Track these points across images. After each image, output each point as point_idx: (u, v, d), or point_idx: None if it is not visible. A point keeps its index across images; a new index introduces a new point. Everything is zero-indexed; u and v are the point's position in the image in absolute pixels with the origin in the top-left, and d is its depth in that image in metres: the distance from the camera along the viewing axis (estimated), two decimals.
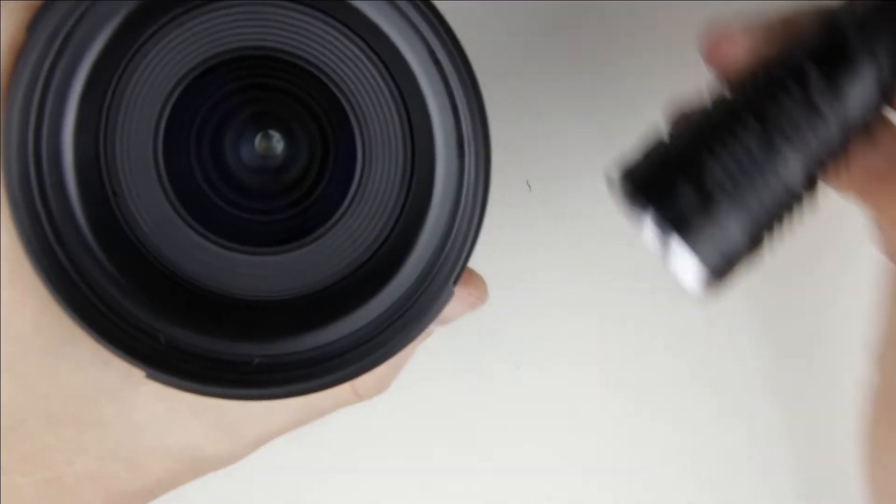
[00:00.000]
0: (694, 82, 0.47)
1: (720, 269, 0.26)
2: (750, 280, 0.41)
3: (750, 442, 0.44)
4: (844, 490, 0.43)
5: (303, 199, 0.32)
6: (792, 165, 0.27)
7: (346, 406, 0.33)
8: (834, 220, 0.45)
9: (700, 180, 0.26)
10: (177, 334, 0.30)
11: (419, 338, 0.30)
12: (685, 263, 0.26)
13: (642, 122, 0.47)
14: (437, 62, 0.29)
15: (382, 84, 0.30)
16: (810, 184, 0.28)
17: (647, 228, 0.27)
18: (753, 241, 0.27)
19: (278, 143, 0.32)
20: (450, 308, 0.30)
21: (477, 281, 0.33)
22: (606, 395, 0.44)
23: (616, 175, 0.28)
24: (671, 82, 0.47)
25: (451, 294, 0.30)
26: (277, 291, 0.31)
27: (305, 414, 0.32)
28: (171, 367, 0.29)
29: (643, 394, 0.45)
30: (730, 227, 0.26)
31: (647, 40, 0.47)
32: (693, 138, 0.28)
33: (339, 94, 0.30)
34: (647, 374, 0.44)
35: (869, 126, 0.28)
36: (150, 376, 0.29)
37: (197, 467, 0.32)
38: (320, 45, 0.30)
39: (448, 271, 0.30)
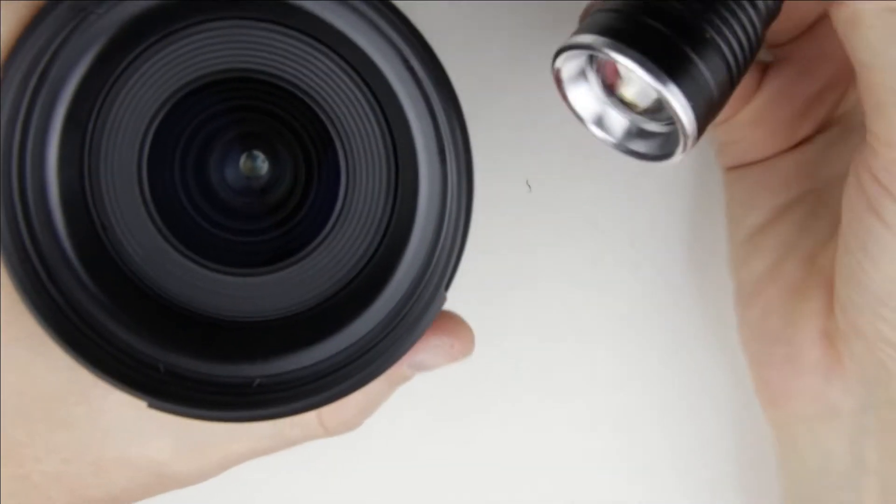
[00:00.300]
0: None
1: (703, 113, 0.28)
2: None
3: (752, 444, 0.44)
4: None
5: (288, 219, 0.32)
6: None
7: (316, 439, 0.33)
8: None
9: (676, 24, 0.27)
10: (174, 361, 0.30)
11: (398, 380, 0.31)
12: (672, 109, 0.27)
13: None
14: (410, 69, 0.29)
15: (361, 98, 0.30)
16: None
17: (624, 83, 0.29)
18: (726, 83, 0.28)
19: (262, 164, 0.32)
20: (431, 357, 0.30)
21: (463, 331, 0.32)
22: (606, 394, 0.44)
23: (582, 34, 0.28)
24: None
25: (443, 300, 0.30)
26: (266, 311, 0.31)
27: (271, 441, 0.33)
28: (173, 395, 0.29)
29: (644, 394, 0.44)
30: (709, 67, 0.28)
31: None
32: None
33: (319, 112, 0.30)
34: (648, 373, 0.44)
35: None
36: (152, 405, 0.29)
37: (163, 482, 0.32)
38: (298, 63, 0.30)
39: (438, 280, 0.30)
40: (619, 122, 0.32)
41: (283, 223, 0.32)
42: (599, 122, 0.32)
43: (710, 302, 0.43)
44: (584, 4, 0.47)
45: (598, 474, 0.45)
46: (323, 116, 0.30)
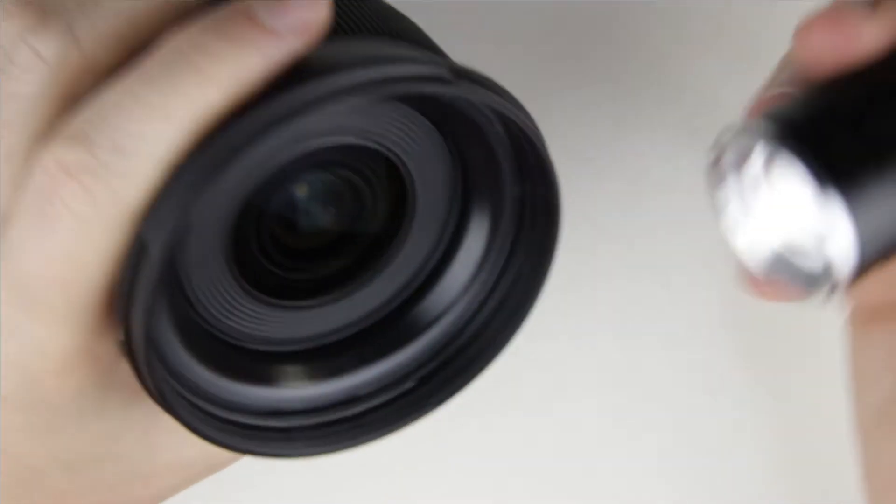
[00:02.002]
0: (695, 81, 0.47)
1: (875, 248, 0.20)
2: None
3: (758, 448, 0.44)
4: (843, 494, 0.43)
5: (346, 260, 0.32)
6: None
7: None
8: None
9: (867, 136, 0.20)
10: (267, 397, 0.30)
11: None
12: (833, 237, 0.20)
13: (647, 122, 0.47)
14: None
15: (436, 150, 0.30)
16: None
17: (784, 189, 0.21)
18: None
19: (328, 210, 0.31)
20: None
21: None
22: (607, 394, 0.44)
23: (759, 120, 0.22)
24: (669, 82, 0.47)
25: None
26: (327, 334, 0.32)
27: None
28: (275, 440, 0.30)
29: (645, 394, 0.45)
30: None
31: (648, 39, 0.47)
32: (856, 93, 0.22)
33: (395, 161, 0.30)
34: (648, 374, 0.44)
35: None
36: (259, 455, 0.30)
37: (211, 468, 0.32)
38: (384, 124, 0.29)
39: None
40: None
41: (341, 264, 0.32)
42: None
43: (713, 302, 0.44)
44: (582, 5, 0.47)
45: (597, 476, 0.45)
46: (398, 164, 0.30)
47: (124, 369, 0.27)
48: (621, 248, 0.44)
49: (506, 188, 0.30)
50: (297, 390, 0.32)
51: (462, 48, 0.40)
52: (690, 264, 0.44)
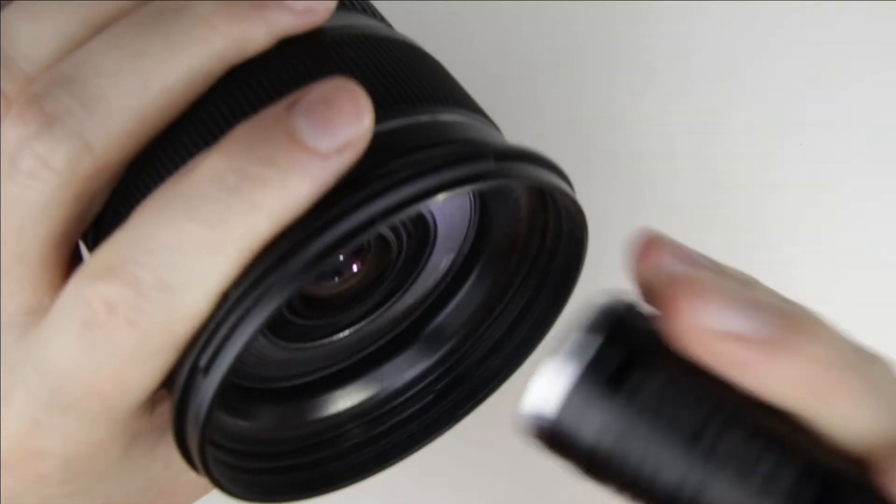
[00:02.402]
0: (689, 86, 0.47)
1: (560, 429, 0.23)
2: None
3: None
4: None
5: (367, 303, 0.32)
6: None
7: None
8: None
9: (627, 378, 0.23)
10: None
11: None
12: (548, 387, 0.23)
13: (639, 124, 0.46)
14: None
15: (468, 214, 0.30)
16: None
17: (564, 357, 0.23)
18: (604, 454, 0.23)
19: (357, 265, 0.31)
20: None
21: None
22: None
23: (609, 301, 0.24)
24: (669, 83, 0.47)
25: None
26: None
27: None
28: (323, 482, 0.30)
29: None
30: (605, 419, 0.23)
31: (644, 40, 0.47)
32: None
33: (424, 212, 0.30)
34: None
35: None
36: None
37: None
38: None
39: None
40: None
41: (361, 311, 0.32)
42: None
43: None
44: (579, 4, 0.47)
45: None
46: (430, 224, 0.30)
47: (150, 420, 0.28)
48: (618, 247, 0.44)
49: (523, 223, 0.30)
50: (334, 413, 0.32)
51: (461, 49, 0.41)
52: None
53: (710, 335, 0.23)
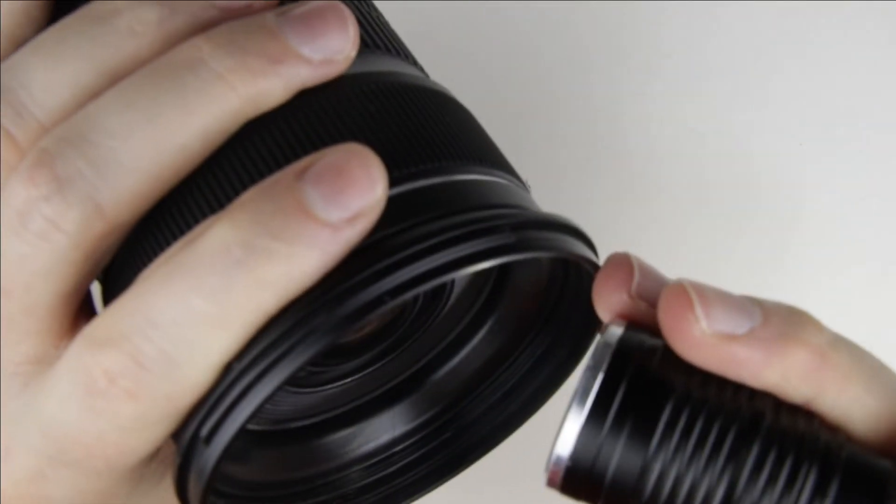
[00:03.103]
0: (689, 85, 0.47)
1: (578, 470, 0.23)
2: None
3: None
4: None
5: (378, 349, 0.31)
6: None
7: None
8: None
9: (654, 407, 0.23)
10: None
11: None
12: (564, 433, 0.23)
13: (640, 122, 0.46)
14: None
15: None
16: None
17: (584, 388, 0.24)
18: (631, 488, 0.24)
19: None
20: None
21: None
22: None
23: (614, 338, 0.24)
24: (669, 83, 0.47)
25: None
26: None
27: None
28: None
29: None
30: (630, 456, 0.23)
31: (645, 41, 0.47)
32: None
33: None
34: None
35: None
36: None
37: None
38: None
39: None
40: None
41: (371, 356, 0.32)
42: None
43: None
44: (579, 5, 0.47)
45: None
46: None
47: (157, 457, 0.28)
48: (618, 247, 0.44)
49: (543, 274, 0.30)
50: (334, 458, 0.31)
51: (460, 48, 0.41)
52: (688, 263, 0.44)
53: (714, 341, 0.23)
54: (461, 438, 0.31)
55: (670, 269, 0.41)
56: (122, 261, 0.26)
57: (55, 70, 0.25)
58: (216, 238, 0.23)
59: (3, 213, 0.24)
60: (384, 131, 0.25)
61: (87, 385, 0.24)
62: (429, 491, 0.31)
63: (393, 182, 0.24)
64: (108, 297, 0.26)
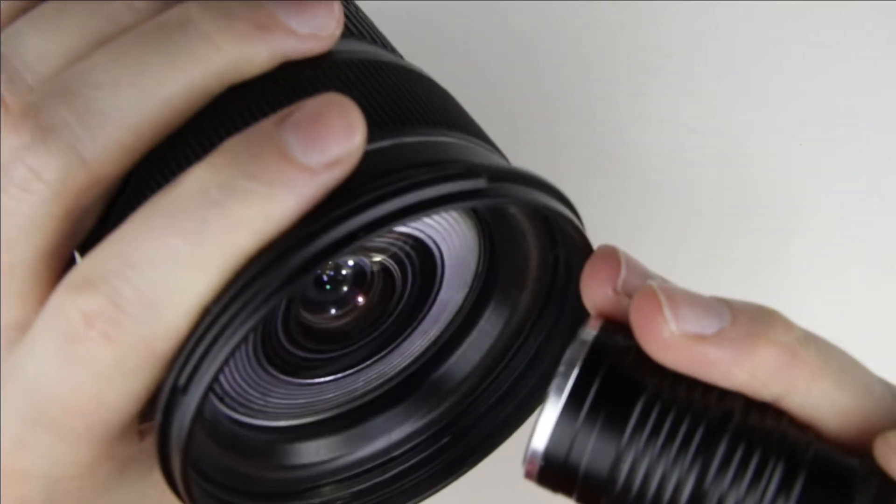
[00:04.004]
0: (689, 86, 0.47)
1: (553, 463, 0.24)
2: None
3: None
4: None
5: (373, 338, 0.31)
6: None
7: None
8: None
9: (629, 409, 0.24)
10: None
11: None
12: (540, 427, 0.24)
13: (639, 122, 0.46)
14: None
15: (467, 226, 0.29)
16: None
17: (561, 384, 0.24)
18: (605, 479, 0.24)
19: (359, 295, 0.30)
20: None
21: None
22: None
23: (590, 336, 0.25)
24: (668, 83, 0.47)
25: None
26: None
27: None
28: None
29: None
30: (602, 446, 0.24)
31: (645, 41, 0.47)
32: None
33: (427, 242, 0.29)
34: None
35: None
36: None
37: None
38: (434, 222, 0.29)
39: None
40: None
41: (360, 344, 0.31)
42: None
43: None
44: (574, 4, 0.47)
45: None
46: (435, 253, 0.29)
47: (142, 447, 0.27)
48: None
49: (532, 258, 0.30)
50: (328, 461, 0.31)
51: (459, 48, 0.41)
52: (687, 264, 0.44)
53: (683, 342, 0.24)
54: (459, 443, 0.31)
55: (669, 269, 0.41)
56: (104, 223, 0.26)
57: (51, 39, 0.26)
58: (194, 181, 0.23)
59: None
60: (362, 94, 0.26)
61: (65, 331, 0.24)
62: (425, 497, 0.31)
63: (372, 138, 0.24)
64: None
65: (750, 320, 0.24)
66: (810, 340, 0.24)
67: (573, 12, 0.46)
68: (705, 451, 0.23)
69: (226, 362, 0.23)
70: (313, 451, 0.31)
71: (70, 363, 0.24)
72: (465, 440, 0.31)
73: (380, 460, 0.31)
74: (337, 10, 0.26)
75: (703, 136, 0.46)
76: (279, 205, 0.23)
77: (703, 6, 0.47)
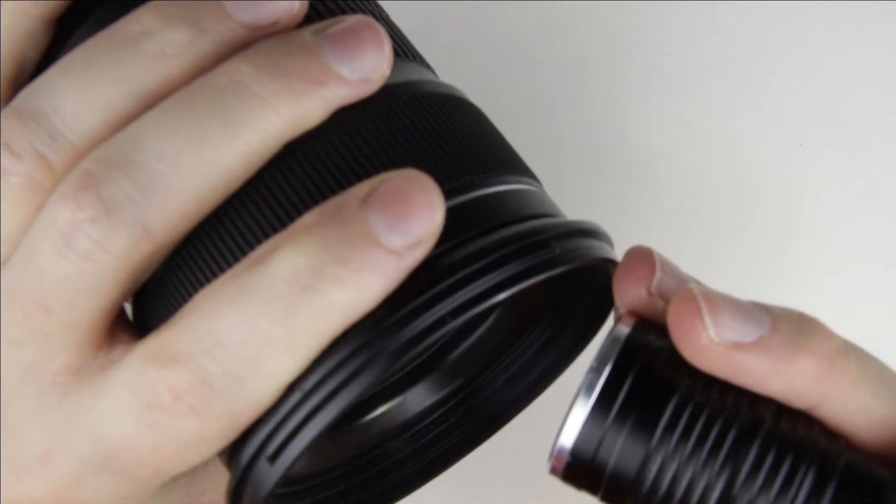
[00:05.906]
0: (690, 86, 0.47)
1: (580, 460, 0.24)
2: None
3: None
4: None
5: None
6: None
7: None
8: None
9: (664, 407, 0.24)
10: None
11: None
12: (569, 424, 0.24)
13: (640, 122, 0.46)
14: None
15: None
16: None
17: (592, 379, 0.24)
18: (632, 479, 0.24)
19: None
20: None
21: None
22: None
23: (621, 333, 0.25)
24: (668, 83, 0.47)
25: None
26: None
27: None
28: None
29: None
30: (629, 447, 0.24)
31: (645, 41, 0.47)
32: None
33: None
34: None
35: None
36: None
37: None
38: None
39: None
40: None
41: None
42: None
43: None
44: (574, 4, 0.47)
45: None
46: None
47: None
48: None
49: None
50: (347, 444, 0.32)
51: (459, 47, 0.41)
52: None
53: (721, 349, 0.24)
54: (473, 417, 0.32)
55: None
56: (161, 277, 0.26)
57: (86, 94, 0.25)
58: (286, 263, 0.24)
59: (47, 234, 0.25)
60: (423, 147, 0.26)
61: (149, 399, 0.24)
62: (427, 481, 0.32)
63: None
64: (148, 313, 0.27)
65: (790, 329, 0.24)
66: (850, 350, 0.24)
67: (573, 12, 0.46)
68: (736, 456, 0.23)
69: (316, 440, 0.24)
70: (347, 430, 0.32)
71: (151, 427, 0.24)
72: (477, 416, 0.32)
73: (410, 431, 0.32)
74: (387, 49, 0.26)
75: (704, 135, 0.46)
76: (368, 289, 0.24)
77: (703, 6, 0.47)
